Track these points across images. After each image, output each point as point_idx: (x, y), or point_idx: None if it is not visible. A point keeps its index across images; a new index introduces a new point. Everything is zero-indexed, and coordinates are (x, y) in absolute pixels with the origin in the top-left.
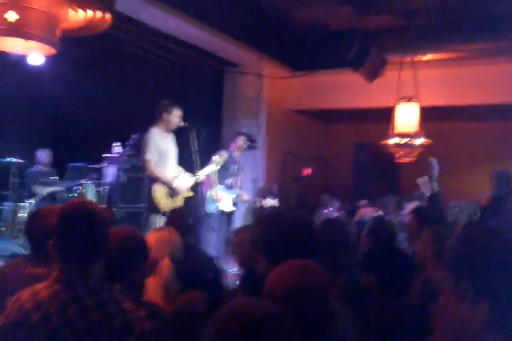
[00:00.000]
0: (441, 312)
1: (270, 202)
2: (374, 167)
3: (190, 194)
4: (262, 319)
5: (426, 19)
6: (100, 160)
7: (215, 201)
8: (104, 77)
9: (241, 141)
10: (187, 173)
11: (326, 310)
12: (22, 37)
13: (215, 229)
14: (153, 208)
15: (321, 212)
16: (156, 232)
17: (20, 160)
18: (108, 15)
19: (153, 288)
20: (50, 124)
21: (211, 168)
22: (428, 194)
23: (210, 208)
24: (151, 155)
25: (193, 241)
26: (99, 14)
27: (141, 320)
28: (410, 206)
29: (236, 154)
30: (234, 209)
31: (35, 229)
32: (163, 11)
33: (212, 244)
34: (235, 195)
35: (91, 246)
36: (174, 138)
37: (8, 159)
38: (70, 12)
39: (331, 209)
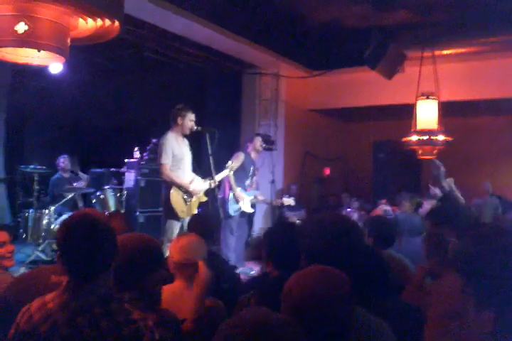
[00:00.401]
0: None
1: (286, 200)
2: (394, 165)
3: (205, 199)
4: (270, 329)
5: (444, 13)
6: (121, 165)
7: (238, 201)
8: (124, 83)
9: (258, 142)
10: (201, 179)
11: (346, 318)
12: (32, 47)
13: (236, 231)
14: (170, 213)
15: (341, 212)
16: (186, 237)
17: (43, 168)
18: (117, 23)
19: (179, 292)
20: (72, 131)
21: (225, 173)
22: (439, 194)
23: (233, 210)
24: (166, 159)
25: (214, 248)
26: (108, 22)
27: (151, 329)
28: (428, 204)
29: (253, 155)
30: (253, 210)
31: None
32: (180, 16)
33: (231, 246)
34: (252, 197)
35: (96, 256)
36: (188, 143)
37: (31, 167)
38: (80, 21)
39: (349, 209)
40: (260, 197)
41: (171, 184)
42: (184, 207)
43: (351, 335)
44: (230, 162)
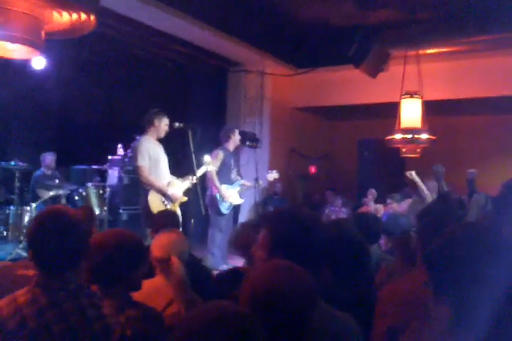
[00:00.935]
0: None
1: (270, 176)
2: (378, 163)
3: (185, 199)
4: (227, 322)
5: (428, 12)
6: (104, 162)
7: (225, 200)
8: (108, 80)
9: (235, 136)
10: (179, 179)
11: (306, 312)
12: (5, 40)
13: (224, 228)
14: (148, 216)
15: (325, 210)
16: (166, 234)
17: (25, 164)
18: (93, 17)
19: (159, 287)
20: (55, 127)
21: (203, 169)
22: (427, 193)
23: (224, 208)
24: (143, 161)
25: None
26: (83, 16)
27: (122, 325)
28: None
29: (232, 148)
30: (242, 200)
31: None
32: (165, 12)
33: (217, 243)
34: (238, 188)
35: (65, 251)
36: (162, 146)
37: (13, 163)
38: (54, 14)
39: (332, 207)
40: (247, 183)
41: (149, 187)
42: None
43: (314, 329)
44: (206, 157)
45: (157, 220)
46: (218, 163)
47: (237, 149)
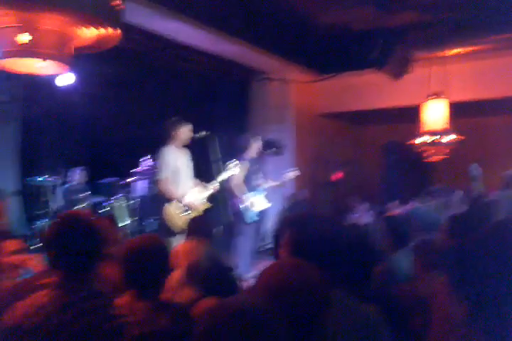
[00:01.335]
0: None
1: (290, 175)
2: (405, 167)
3: (207, 206)
4: (249, 313)
5: (451, 12)
6: (130, 175)
7: (251, 209)
8: (133, 93)
9: (256, 145)
10: (199, 188)
11: (318, 303)
12: (36, 57)
13: (250, 236)
14: (165, 228)
15: (350, 216)
16: (183, 244)
17: (55, 179)
18: (118, 31)
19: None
20: (83, 142)
21: (226, 175)
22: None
23: (249, 217)
24: (163, 174)
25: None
26: (109, 31)
27: (132, 326)
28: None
29: (253, 155)
30: (269, 204)
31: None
32: (187, 24)
33: (244, 253)
34: (264, 192)
35: (84, 254)
36: (188, 152)
37: (42, 178)
38: (82, 30)
39: (359, 212)
40: (272, 183)
41: (166, 198)
42: (180, 222)
43: (332, 320)
44: (233, 163)
45: (188, 227)
46: (243, 174)
47: (260, 155)
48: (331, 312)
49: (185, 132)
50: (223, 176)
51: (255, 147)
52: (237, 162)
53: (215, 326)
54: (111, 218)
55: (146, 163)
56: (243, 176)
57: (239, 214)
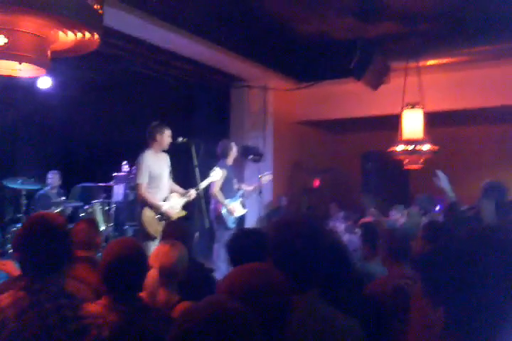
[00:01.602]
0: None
1: (264, 179)
2: (382, 175)
3: (183, 213)
4: (225, 313)
5: (428, 24)
6: (109, 179)
7: (232, 215)
8: (112, 98)
9: (233, 151)
10: (181, 190)
11: (282, 308)
12: (11, 59)
13: None
14: (143, 233)
15: (328, 223)
16: (159, 246)
17: (32, 183)
18: (97, 36)
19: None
20: (61, 146)
21: (207, 182)
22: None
23: (231, 222)
24: (141, 179)
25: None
26: (88, 35)
27: (99, 327)
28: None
29: (230, 162)
30: (246, 210)
31: None
32: (167, 30)
33: (223, 257)
34: (240, 198)
35: (50, 255)
36: (167, 158)
37: (20, 182)
38: (60, 34)
39: (336, 220)
40: (248, 188)
41: (144, 204)
42: (159, 227)
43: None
44: (216, 170)
45: (164, 230)
46: (221, 181)
47: (239, 162)
48: (300, 316)
49: (165, 137)
50: (204, 183)
51: (233, 154)
52: (218, 169)
53: (191, 329)
54: (91, 222)
55: (123, 167)
56: (221, 183)
57: (221, 220)
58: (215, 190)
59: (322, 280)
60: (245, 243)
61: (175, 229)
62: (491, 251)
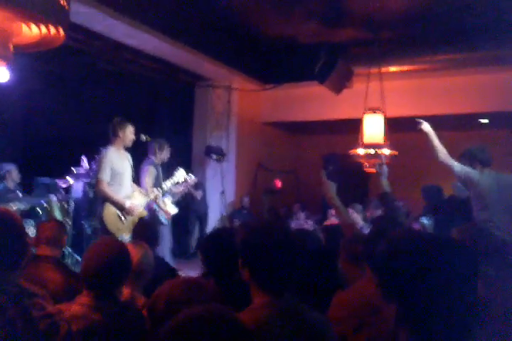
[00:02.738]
0: None
1: (190, 179)
2: (343, 177)
3: (145, 213)
4: (217, 323)
5: (391, 32)
6: (68, 174)
7: (163, 211)
8: (75, 93)
9: (162, 151)
10: (140, 193)
11: None
12: None
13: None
14: (104, 230)
15: (290, 223)
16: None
17: None
18: (62, 31)
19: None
20: (19, 139)
21: (173, 181)
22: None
23: (163, 218)
24: (104, 175)
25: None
26: (52, 30)
27: (67, 322)
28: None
29: (157, 161)
30: (177, 210)
31: None
32: (133, 27)
33: (165, 253)
34: (169, 197)
35: (3, 252)
36: (129, 156)
37: None
38: (24, 27)
39: (297, 220)
40: (174, 189)
41: (105, 200)
42: (120, 225)
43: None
44: (180, 171)
45: (134, 229)
46: (151, 179)
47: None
48: (277, 319)
49: (128, 134)
50: (168, 183)
51: (164, 154)
52: (181, 169)
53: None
54: (57, 220)
55: (83, 163)
56: (152, 180)
57: (155, 217)
58: (148, 186)
59: (299, 284)
60: (219, 243)
61: (142, 229)
62: (443, 250)
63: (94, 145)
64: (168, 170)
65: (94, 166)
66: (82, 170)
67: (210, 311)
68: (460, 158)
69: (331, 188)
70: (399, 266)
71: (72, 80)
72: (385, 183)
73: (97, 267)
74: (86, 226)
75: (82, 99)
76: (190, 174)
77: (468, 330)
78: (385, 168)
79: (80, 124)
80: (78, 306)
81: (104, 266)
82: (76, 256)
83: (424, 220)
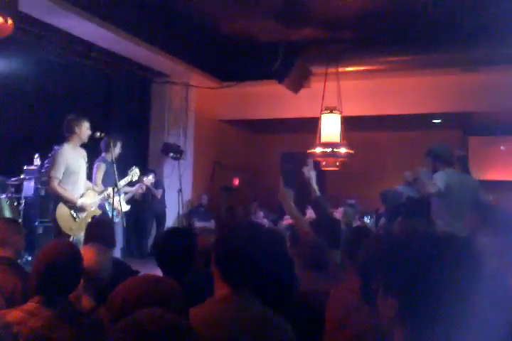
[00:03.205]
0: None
1: (146, 180)
2: (301, 176)
3: (99, 212)
4: (165, 329)
5: (348, 31)
6: (20, 173)
7: (114, 209)
8: (26, 87)
9: (115, 147)
10: (94, 191)
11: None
12: None
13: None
14: (56, 229)
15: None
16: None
17: None
18: (10, 21)
19: None
20: None
21: (125, 181)
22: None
23: (115, 217)
24: (56, 173)
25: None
26: (0, 20)
27: (30, 332)
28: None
29: (110, 159)
30: (129, 207)
31: None
32: (87, 20)
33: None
34: (123, 195)
35: None
36: (85, 153)
37: None
38: None
39: (256, 219)
40: (128, 189)
41: (57, 198)
42: (73, 224)
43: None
44: (133, 168)
45: (88, 230)
46: (101, 175)
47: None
48: (232, 314)
49: (84, 130)
50: (123, 182)
51: (116, 150)
52: (136, 168)
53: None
54: (12, 221)
55: (35, 161)
56: (101, 177)
57: (108, 216)
58: (97, 183)
59: (257, 280)
60: (173, 242)
61: (97, 229)
62: (445, 250)
63: (48, 143)
64: (125, 168)
65: (46, 164)
66: (34, 168)
67: (151, 315)
68: (424, 157)
69: (288, 197)
70: (400, 263)
71: (22, 74)
72: (315, 187)
73: (46, 271)
74: (37, 224)
75: (34, 94)
76: (149, 174)
77: (467, 328)
78: (313, 173)
79: (31, 120)
80: (18, 312)
81: (54, 269)
82: (26, 256)
83: (365, 219)
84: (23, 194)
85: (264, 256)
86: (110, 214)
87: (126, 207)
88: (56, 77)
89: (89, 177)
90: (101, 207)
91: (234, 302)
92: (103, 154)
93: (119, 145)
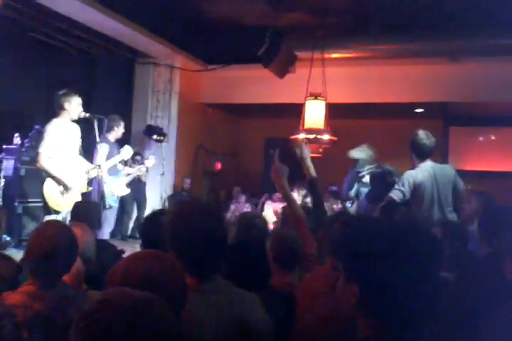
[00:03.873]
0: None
1: (148, 162)
2: (284, 162)
3: (90, 189)
4: (137, 305)
5: (336, 18)
6: None
7: (113, 193)
8: (6, 65)
9: (121, 129)
10: (89, 164)
11: (181, 292)
12: None
13: (111, 221)
14: (46, 207)
15: (230, 206)
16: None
17: None
18: None
19: None
20: None
21: (115, 160)
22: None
23: (113, 200)
24: (45, 148)
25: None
26: None
27: (18, 326)
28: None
29: (113, 139)
30: (128, 191)
31: None
32: None
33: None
34: (124, 178)
35: None
36: (78, 128)
37: None
38: None
39: (238, 203)
40: (131, 170)
41: (46, 174)
42: (61, 200)
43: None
44: (125, 146)
45: (74, 210)
46: (104, 155)
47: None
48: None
49: (74, 105)
50: (112, 161)
51: (117, 132)
52: (128, 147)
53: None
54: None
55: (15, 140)
56: (104, 158)
57: (102, 198)
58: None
59: (228, 270)
60: (157, 225)
61: (80, 211)
62: (406, 240)
63: (30, 121)
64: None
65: (27, 144)
66: (13, 147)
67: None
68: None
69: (283, 174)
70: (363, 249)
71: (4, 52)
72: (310, 166)
73: (43, 255)
74: (16, 205)
75: (14, 72)
76: (150, 157)
77: (429, 317)
78: (307, 150)
79: (13, 99)
80: (19, 295)
81: (51, 253)
82: (5, 236)
83: (347, 204)
84: (3, 173)
85: (224, 244)
86: (109, 200)
87: (124, 191)
88: (37, 54)
89: (86, 156)
90: (98, 191)
91: (204, 293)
92: (105, 135)
93: (121, 124)
